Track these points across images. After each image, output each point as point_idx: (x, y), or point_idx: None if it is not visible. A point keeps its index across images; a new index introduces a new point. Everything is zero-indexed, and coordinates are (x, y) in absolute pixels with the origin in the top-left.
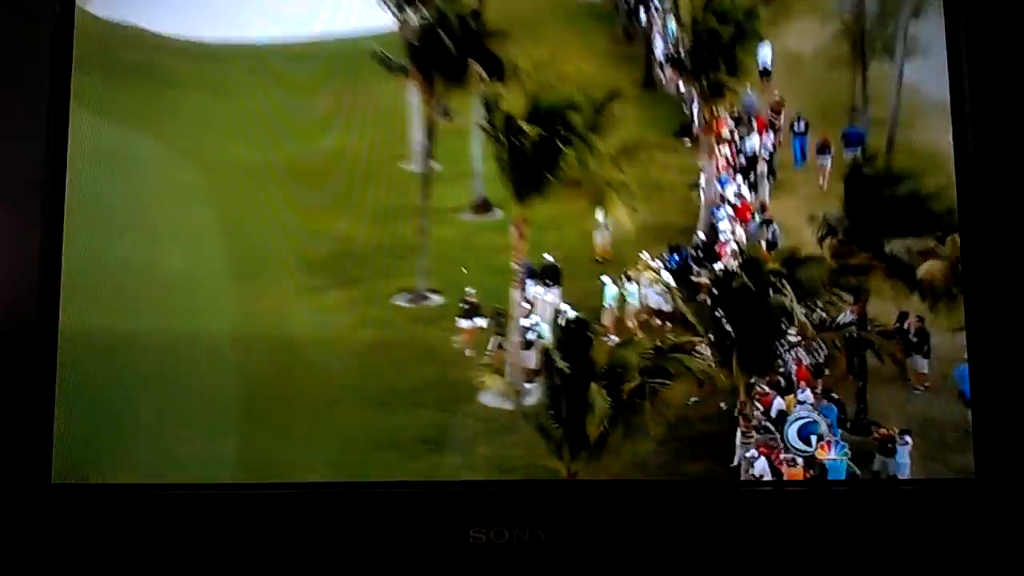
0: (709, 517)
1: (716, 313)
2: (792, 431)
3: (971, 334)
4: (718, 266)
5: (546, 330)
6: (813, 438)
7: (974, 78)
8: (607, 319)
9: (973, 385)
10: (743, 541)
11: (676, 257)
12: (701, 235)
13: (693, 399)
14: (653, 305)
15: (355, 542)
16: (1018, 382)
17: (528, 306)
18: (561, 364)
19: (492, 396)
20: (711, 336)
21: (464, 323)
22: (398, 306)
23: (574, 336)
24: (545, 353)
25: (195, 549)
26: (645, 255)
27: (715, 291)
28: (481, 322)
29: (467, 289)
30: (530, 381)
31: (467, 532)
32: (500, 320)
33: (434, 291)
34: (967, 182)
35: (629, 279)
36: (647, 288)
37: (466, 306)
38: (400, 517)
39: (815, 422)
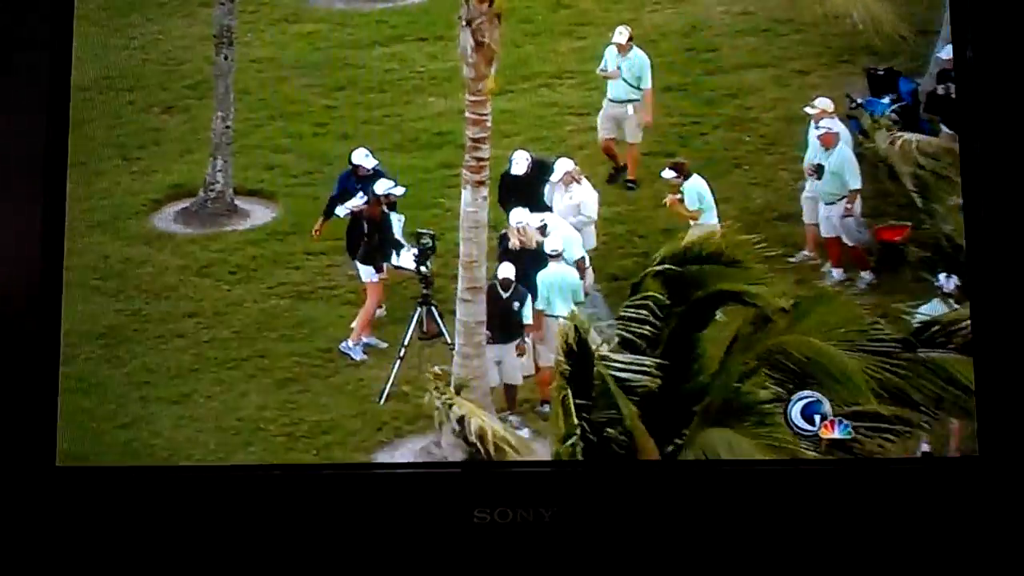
0: (710, 500)
1: None
2: (796, 411)
3: (975, 320)
4: None
5: (555, 280)
6: (817, 417)
7: None
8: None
9: (978, 365)
10: (743, 522)
11: (884, 102)
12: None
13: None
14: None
15: (359, 523)
16: None
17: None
18: (611, 367)
19: (450, 444)
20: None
21: (367, 272)
22: (172, 232)
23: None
24: (578, 341)
25: (201, 530)
26: (821, 105)
27: None
28: (407, 267)
29: (387, 182)
30: (511, 409)
31: (471, 512)
32: (425, 261)
33: (254, 193)
34: (969, 177)
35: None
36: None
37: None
38: (404, 498)
39: (819, 401)
